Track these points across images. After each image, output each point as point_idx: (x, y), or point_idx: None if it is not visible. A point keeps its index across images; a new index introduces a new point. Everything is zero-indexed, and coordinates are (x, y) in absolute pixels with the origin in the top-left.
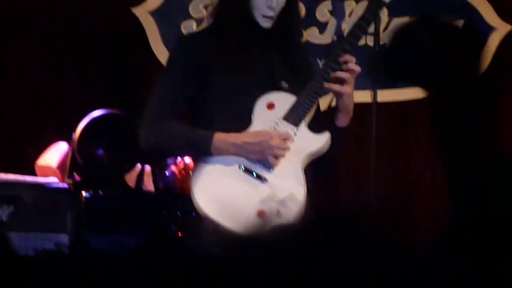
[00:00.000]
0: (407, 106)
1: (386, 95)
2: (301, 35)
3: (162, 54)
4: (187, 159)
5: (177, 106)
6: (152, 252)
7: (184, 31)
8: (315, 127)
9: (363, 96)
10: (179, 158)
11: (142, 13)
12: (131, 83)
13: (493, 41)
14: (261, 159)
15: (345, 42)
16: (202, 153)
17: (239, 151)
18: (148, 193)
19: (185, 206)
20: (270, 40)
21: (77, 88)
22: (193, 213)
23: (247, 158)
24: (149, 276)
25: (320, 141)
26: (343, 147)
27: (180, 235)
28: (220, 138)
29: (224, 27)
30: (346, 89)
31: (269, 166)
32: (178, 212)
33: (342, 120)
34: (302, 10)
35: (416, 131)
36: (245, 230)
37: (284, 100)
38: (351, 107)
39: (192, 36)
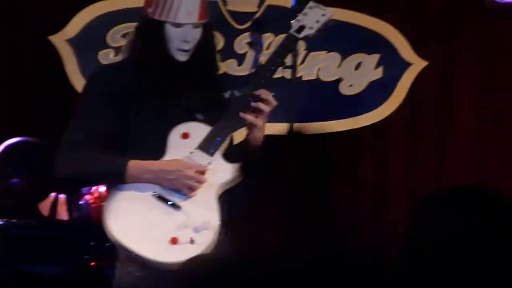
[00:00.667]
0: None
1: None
2: (217, 68)
3: (79, 82)
4: (102, 189)
5: (92, 135)
6: (65, 282)
7: (101, 60)
8: (229, 158)
9: (278, 129)
10: (93, 188)
11: (59, 41)
12: (48, 111)
13: (409, 77)
14: (176, 188)
15: (260, 76)
16: (117, 180)
17: (153, 178)
18: (61, 222)
19: (98, 235)
20: (186, 73)
21: None
22: (107, 243)
23: (161, 185)
24: None
25: (234, 171)
26: (258, 179)
27: (93, 265)
28: (134, 165)
29: (140, 60)
30: (259, 121)
31: (183, 194)
32: (92, 242)
33: (252, 152)
34: (220, 42)
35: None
36: (158, 257)
37: (199, 130)
38: (261, 140)
39: (109, 67)
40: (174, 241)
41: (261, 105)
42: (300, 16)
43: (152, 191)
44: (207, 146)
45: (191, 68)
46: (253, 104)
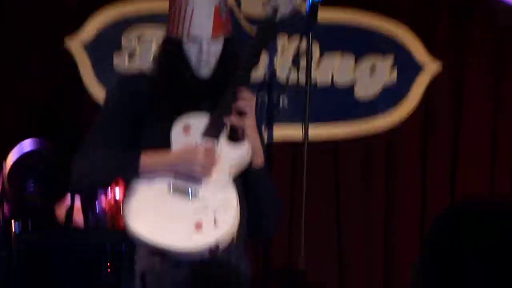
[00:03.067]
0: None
1: (318, 130)
2: (245, 80)
3: (93, 85)
4: (118, 195)
5: (109, 141)
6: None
7: (116, 62)
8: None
9: (295, 132)
10: (109, 194)
11: (74, 44)
12: (63, 114)
13: (423, 79)
14: (189, 174)
15: (241, 70)
16: (131, 173)
17: (166, 169)
18: (77, 228)
19: (115, 241)
20: (206, 89)
21: (10, 116)
22: (124, 248)
23: (175, 175)
24: None
25: (241, 150)
26: (270, 192)
27: (109, 270)
28: (147, 157)
29: (161, 74)
30: (246, 121)
31: (198, 180)
32: (108, 247)
33: (255, 160)
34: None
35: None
36: (186, 246)
37: (199, 119)
38: (258, 143)
39: (131, 78)
40: (198, 226)
41: (241, 103)
42: (273, 1)
43: (168, 182)
44: (211, 131)
45: (211, 83)
46: (237, 104)
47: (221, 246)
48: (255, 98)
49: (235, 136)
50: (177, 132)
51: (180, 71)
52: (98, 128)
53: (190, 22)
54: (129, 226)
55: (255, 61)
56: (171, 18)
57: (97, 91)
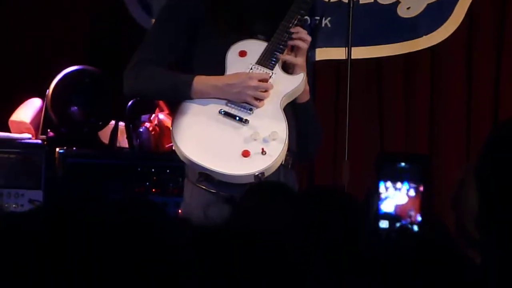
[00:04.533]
0: (381, 64)
1: (360, 52)
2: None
3: (134, 9)
4: (161, 116)
5: (164, 55)
6: (127, 209)
7: None
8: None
9: (338, 54)
10: (153, 115)
11: None
12: (105, 40)
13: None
14: (242, 100)
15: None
16: (183, 95)
17: (219, 93)
18: (122, 149)
19: (159, 162)
20: (263, 8)
21: (51, 44)
22: (167, 170)
23: (227, 100)
24: (123, 234)
25: (296, 81)
26: (315, 127)
27: (154, 191)
28: (199, 80)
29: None
30: (298, 60)
31: (249, 108)
32: (153, 169)
33: (300, 96)
34: None
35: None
36: (232, 171)
37: (255, 47)
38: (307, 91)
39: None
40: (245, 153)
41: (297, 42)
42: None
43: (219, 107)
44: (266, 60)
45: (268, 2)
46: (290, 42)
47: (266, 174)
48: (310, 39)
49: (288, 68)
50: (233, 54)
51: None
52: (154, 38)
53: None
54: (177, 147)
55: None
56: None
57: (139, 14)
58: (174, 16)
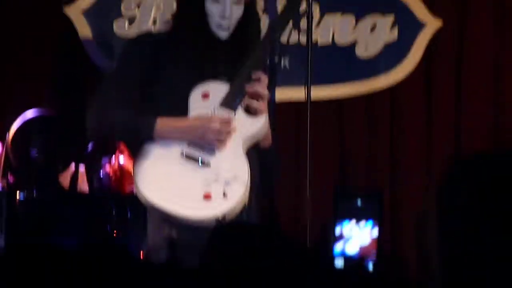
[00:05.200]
0: (343, 104)
1: (320, 92)
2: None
3: (94, 53)
4: (122, 160)
5: (125, 95)
6: (87, 253)
7: (116, 30)
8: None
9: (297, 94)
10: (113, 159)
11: (74, 12)
12: (66, 84)
13: (424, 37)
14: (204, 142)
15: (257, 54)
16: (145, 136)
17: (181, 135)
18: (82, 193)
19: (119, 206)
20: (223, 51)
21: (12, 87)
22: (128, 213)
23: (189, 142)
24: (84, 276)
25: (257, 124)
26: (275, 170)
27: (115, 235)
28: (163, 122)
29: (179, 34)
30: (260, 105)
31: (211, 150)
32: (113, 212)
33: (263, 140)
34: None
35: (354, 130)
36: (193, 214)
37: (218, 88)
38: (267, 126)
39: (148, 36)
40: (207, 196)
41: (257, 88)
42: None
43: (181, 149)
44: (229, 102)
45: (229, 46)
46: (248, 88)
47: (227, 218)
48: (266, 92)
49: (250, 110)
50: (196, 96)
51: (199, 31)
52: (112, 80)
53: None
54: (138, 190)
55: (275, 40)
56: None
57: (99, 59)
58: (132, 63)
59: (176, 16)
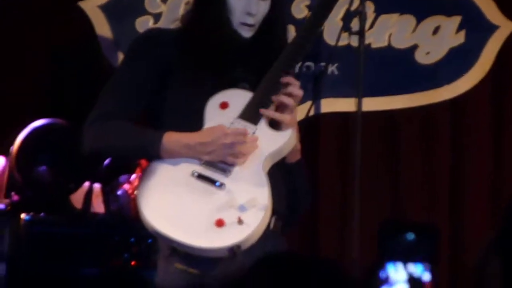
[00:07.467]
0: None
1: (372, 104)
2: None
3: (112, 55)
4: None
5: (128, 107)
6: (101, 284)
7: (139, 28)
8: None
9: (346, 105)
10: (133, 176)
11: (90, 7)
12: (79, 89)
13: (495, 42)
14: (218, 159)
15: (286, 60)
16: (150, 155)
17: (191, 152)
18: (97, 215)
19: (139, 230)
20: (247, 52)
21: (17, 96)
22: (149, 239)
23: (200, 160)
24: None
25: (282, 139)
26: (306, 190)
27: (133, 264)
28: (170, 138)
29: (194, 32)
30: (286, 117)
31: (225, 169)
32: (132, 238)
33: (290, 155)
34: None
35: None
36: (204, 243)
37: (239, 98)
38: (297, 150)
39: (159, 31)
40: (219, 223)
41: (284, 99)
42: None
43: (192, 168)
44: (250, 114)
45: (253, 47)
46: (279, 97)
47: (243, 247)
48: (301, 94)
49: (276, 123)
50: (213, 106)
51: (220, 29)
52: (115, 86)
53: None
54: (142, 215)
55: (306, 46)
56: None
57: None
58: (140, 61)
59: (192, 11)
